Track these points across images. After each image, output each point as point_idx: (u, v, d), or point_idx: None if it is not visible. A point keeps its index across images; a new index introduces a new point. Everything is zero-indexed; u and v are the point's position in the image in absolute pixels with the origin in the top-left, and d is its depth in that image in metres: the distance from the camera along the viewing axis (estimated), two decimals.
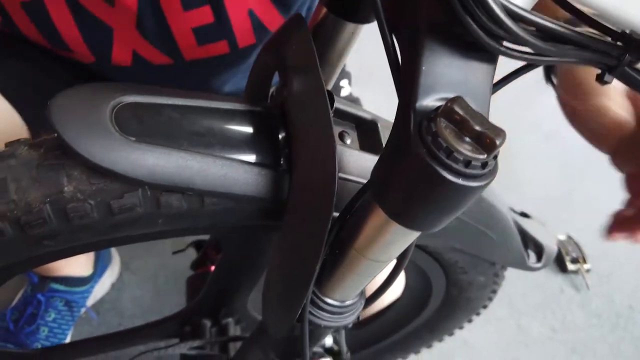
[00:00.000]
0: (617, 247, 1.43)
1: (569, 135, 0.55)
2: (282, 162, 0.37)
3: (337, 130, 0.39)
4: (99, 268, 1.01)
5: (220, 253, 0.65)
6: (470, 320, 0.73)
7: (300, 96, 0.35)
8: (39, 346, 0.92)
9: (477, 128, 0.25)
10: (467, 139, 0.25)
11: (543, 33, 0.26)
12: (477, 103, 0.28)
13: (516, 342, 1.14)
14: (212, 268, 0.67)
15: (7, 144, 0.37)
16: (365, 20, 0.38)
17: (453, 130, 0.25)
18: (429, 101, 0.27)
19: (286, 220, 0.36)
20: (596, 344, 1.18)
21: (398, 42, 0.30)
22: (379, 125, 0.40)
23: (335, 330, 0.47)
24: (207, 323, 0.62)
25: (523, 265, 0.58)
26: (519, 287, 1.26)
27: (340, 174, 0.36)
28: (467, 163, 0.25)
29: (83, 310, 0.99)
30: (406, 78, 0.29)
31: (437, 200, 0.27)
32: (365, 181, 0.36)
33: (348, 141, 0.39)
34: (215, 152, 0.35)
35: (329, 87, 0.45)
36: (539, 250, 0.60)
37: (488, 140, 0.25)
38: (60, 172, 0.34)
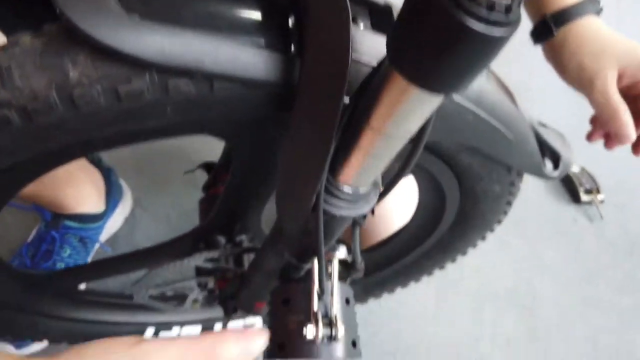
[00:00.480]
0: (632, 177, 1.41)
1: None
2: (292, 47, 0.35)
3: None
4: (111, 204, 1.01)
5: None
6: (483, 238, 0.73)
7: None
8: None
9: None
10: None
11: None
12: None
13: (530, 268, 1.15)
14: (222, 189, 0.67)
15: (10, 37, 0.36)
16: None
17: None
18: None
19: (297, 105, 0.35)
20: (609, 271, 1.18)
21: None
22: (393, 9, 0.38)
23: (349, 238, 0.47)
24: (222, 240, 0.62)
25: (539, 172, 0.57)
26: (533, 218, 1.26)
27: (353, 56, 0.35)
28: (491, 6, 0.23)
29: (97, 245, 1.00)
30: None
31: (459, 53, 0.25)
32: (368, 63, 0.35)
33: (361, 24, 0.37)
34: (225, 33, 0.34)
35: None
36: (556, 159, 0.58)
37: None
38: (64, 57, 0.33)
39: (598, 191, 1.32)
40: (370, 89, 0.32)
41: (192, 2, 0.34)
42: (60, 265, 0.95)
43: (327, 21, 0.33)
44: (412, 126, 0.31)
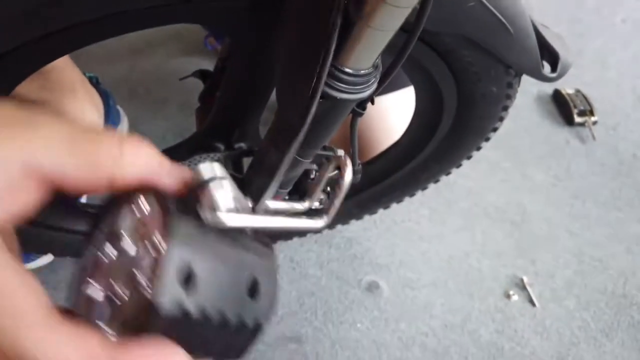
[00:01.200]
0: (626, 100, 1.42)
1: None
2: None
3: None
4: (109, 123, 1.01)
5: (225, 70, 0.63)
6: (479, 148, 0.74)
7: None
8: None
9: None
10: None
11: None
12: None
13: (520, 189, 1.17)
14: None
15: None
16: None
17: None
18: None
19: None
20: (598, 189, 1.21)
21: None
22: None
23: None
24: (220, 146, 0.62)
25: (538, 73, 0.57)
26: (525, 140, 1.27)
27: None
28: None
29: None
30: None
31: None
32: None
33: None
34: None
35: None
36: (554, 60, 0.58)
37: None
38: None
39: (592, 113, 1.33)
40: None
41: None
42: None
43: None
44: None
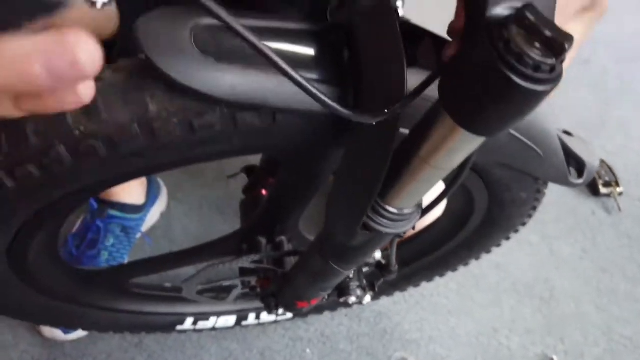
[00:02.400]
0: None
1: (603, 59, 0.55)
2: (348, 79, 0.39)
3: None
4: (151, 198, 1.07)
5: (273, 177, 0.68)
6: (508, 238, 0.77)
7: (366, 12, 0.36)
8: None
9: (547, 33, 0.27)
10: (537, 44, 0.27)
11: None
12: (545, 9, 0.29)
13: (548, 264, 1.18)
14: (264, 192, 0.71)
15: None
16: None
17: (524, 37, 0.27)
18: (499, 9, 0.29)
19: (353, 136, 0.39)
20: (625, 263, 1.21)
21: None
22: (433, 41, 0.41)
23: (386, 247, 0.51)
24: (263, 241, 0.66)
25: (565, 181, 0.60)
26: (552, 212, 1.28)
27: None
28: (537, 67, 0.27)
29: (138, 236, 1.06)
30: None
31: (506, 105, 0.29)
32: (426, 97, 0.38)
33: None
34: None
35: None
36: (581, 167, 0.61)
37: (557, 44, 0.27)
38: (145, 92, 0.37)
39: (617, 184, 1.35)
40: (422, 123, 0.36)
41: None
42: (104, 254, 1.00)
43: (381, 57, 0.37)
44: (456, 160, 0.35)
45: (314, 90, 0.30)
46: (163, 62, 0.34)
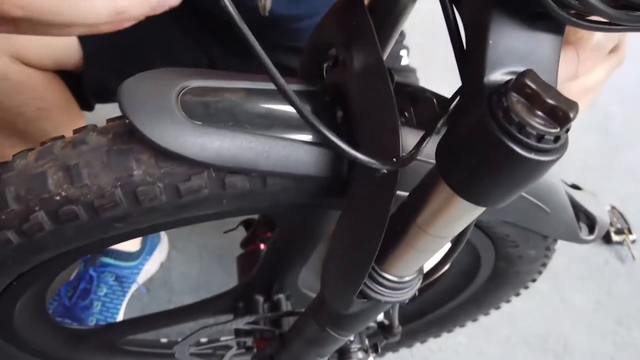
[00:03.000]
0: None
1: (608, 103, 0.53)
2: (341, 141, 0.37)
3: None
4: (148, 246, 1.04)
5: (271, 232, 0.66)
6: (518, 294, 0.73)
7: (359, 73, 0.35)
8: (94, 320, 0.96)
9: (550, 101, 0.25)
10: (539, 112, 0.25)
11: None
12: (547, 75, 0.27)
13: (560, 315, 1.14)
14: (262, 246, 0.69)
15: (76, 130, 0.39)
16: None
17: (525, 105, 0.25)
18: (497, 75, 0.27)
19: (348, 200, 0.37)
20: None
21: (460, 15, 0.30)
22: (434, 101, 0.40)
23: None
24: (260, 299, 0.63)
25: (575, 238, 0.57)
26: (563, 260, 1.24)
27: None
28: (540, 137, 0.25)
29: (134, 286, 1.03)
30: (472, 52, 0.28)
31: (507, 176, 0.27)
32: (425, 159, 0.36)
33: (404, 117, 0.39)
34: (276, 133, 0.36)
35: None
36: (591, 223, 0.59)
37: (561, 113, 0.25)
38: (129, 156, 0.35)
39: (630, 231, 1.31)
40: (419, 188, 0.34)
41: (247, 105, 0.36)
42: (97, 304, 0.97)
43: (375, 119, 0.35)
44: (456, 229, 0.33)
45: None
46: (147, 128, 0.33)
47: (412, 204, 0.33)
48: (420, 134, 0.38)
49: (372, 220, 0.34)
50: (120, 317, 1.00)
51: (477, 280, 0.69)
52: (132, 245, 1.01)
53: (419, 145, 0.31)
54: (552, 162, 0.26)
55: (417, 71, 0.89)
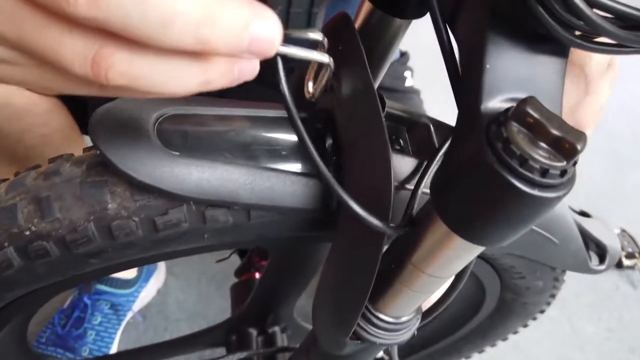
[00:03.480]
0: None
1: (614, 124, 0.51)
2: (330, 170, 0.35)
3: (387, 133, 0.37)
4: (144, 273, 1.02)
5: (265, 260, 0.63)
6: (525, 325, 0.70)
7: (349, 100, 0.33)
8: (87, 350, 0.93)
9: (555, 132, 0.22)
10: (543, 144, 0.23)
11: (622, 20, 0.23)
12: (550, 103, 0.25)
13: (570, 344, 1.09)
14: (257, 275, 0.66)
15: (51, 160, 0.37)
16: (415, 15, 0.35)
17: (526, 135, 0.23)
18: (496, 102, 0.25)
19: (338, 233, 0.34)
20: None
21: (455, 37, 0.28)
22: (431, 127, 0.37)
23: None
24: (254, 332, 0.60)
25: (585, 269, 0.54)
26: (572, 286, 1.20)
27: (396, 183, 0.34)
28: (544, 172, 0.22)
29: (130, 314, 1.00)
30: (468, 77, 0.26)
31: (509, 214, 0.24)
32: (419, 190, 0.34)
33: (398, 145, 0.36)
34: (260, 163, 0.33)
35: (376, 85, 0.43)
36: (602, 252, 0.56)
37: (567, 145, 0.22)
38: (103, 189, 0.33)
39: None
40: (412, 225, 0.31)
41: (229, 133, 0.34)
42: (91, 333, 0.94)
43: (364, 148, 0.33)
44: (455, 269, 0.30)
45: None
46: (120, 160, 0.30)
47: (406, 240, 0.31)
48: (415, 163, 0.35)
49: (363, 258, 0.31)
50: (115, 347, 0.97)
51: (482, 312, 0.66)
52: (128, 272, 0.99)
53: (415, 195, 0.28)
54: (559, 198, 0.23)
55: (421, 92, 0.88)
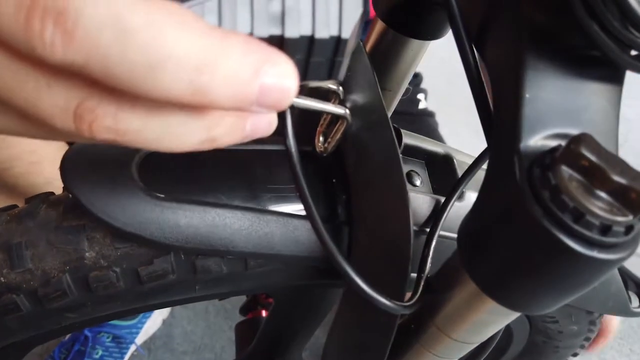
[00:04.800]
0: None
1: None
2: (339, 212, 0.30)
3: (404, 170, 0.32)
4: None
5: (272, 298, 0.59)
6: None
7: (360, 133, 0.28)
8: None
9: (617, 178, 0.18)
10: (602, 193, 0.18)
11: None
12: (604, 140, 0.20)
13: None
14: (264, 312, 0.61)
15: (28, 200, 0.33)
16: (435, 35, 0.31)
17: (581, 183, 0.18)
18: (538, 140, 0.20)
19: (348, 285, 0.29)
20: None
21: (484, 60, 0.24)
22: (454, 160, 0.33)
23: None
24: None
25: (626, 312, 0.48)
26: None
27: (415, 226, 0.30)
28: (606, 229, 0.18)
29: (133, 347, 0.95)
30: (502, 109, 0.22)
31: (559, 278, 0.19)
32: (443, 234, 0.29)
33: (417, 182, 0.32)
34: (258, 205, 0.29)
35: (389, 112, 0.38)
36: None
37: (634, 194, 0.18)
38: (80, 235, 0.29)
39: None
40: (438, 279, 0.26)
41: (223, 170, 0.30)
42: None
43: (378, 187, 0.28)
44: (485, 334, 0.25)
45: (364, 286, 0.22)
46: (95, 204, 0.26)
47: (428, 298, 0.26)
48: (434, 201, 0.31)
49: (377, 326, 0.27)
50: None
51: (509, 354, 0.60)
52: None
53: (429, 245, 0.24)
54: (622, 259, 0.19)
55: (436, 114, 0.84)
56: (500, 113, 0.22)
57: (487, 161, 0.28)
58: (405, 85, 0.35)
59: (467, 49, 0.24)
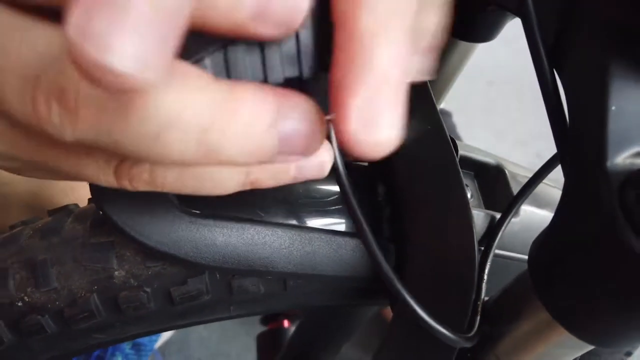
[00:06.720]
0: None
1: None
2: (383, 228, 0.28)
3: None
4: None
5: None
6: None
7: (411, 144, 0.26)
8: None
9: None
10: None
11: None
12: None
13: None
14: (286, 323, 0.59)
15: (51, 212, 0.31)
16: (484, 38, 0.29)
17: None
18: (627, 158, 0.18)
19: (398, 310, 0.27)
20: None
21: (562, 69, 0.21)
22: (507, 172, 0.30)
23: None
24: None
25: None
26: None
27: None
28: None
29: (150, 354, 0.94)
30: (581, 123, 0.19)
31: None
32: (502, 253, 0.27)
33: (468, 196, 0.30)
34: (298, 221, 0.27)
35: None
36: None
37: None
38: (109, 252, 0.27)
39: None
40: (498, 304, 0.24)
41: (262, 191, 0.28)
42: None
43: (434, 201, 0.26)
44: None
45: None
46: (127, 221, 0.25)
47: (489, 327, 0.24)
48: (489, 217, 0.29)
49: (434, 348, 0.25)
50: None
51: None
52: None
53: (477, 300, 0.22)
54: None
55: (453, 115, 0.82)
56: (579, 127, 0.19)
57: (547, 175, 0.26)
58: (449, 88, 0.33)
59: (542, 56, 0.21)
